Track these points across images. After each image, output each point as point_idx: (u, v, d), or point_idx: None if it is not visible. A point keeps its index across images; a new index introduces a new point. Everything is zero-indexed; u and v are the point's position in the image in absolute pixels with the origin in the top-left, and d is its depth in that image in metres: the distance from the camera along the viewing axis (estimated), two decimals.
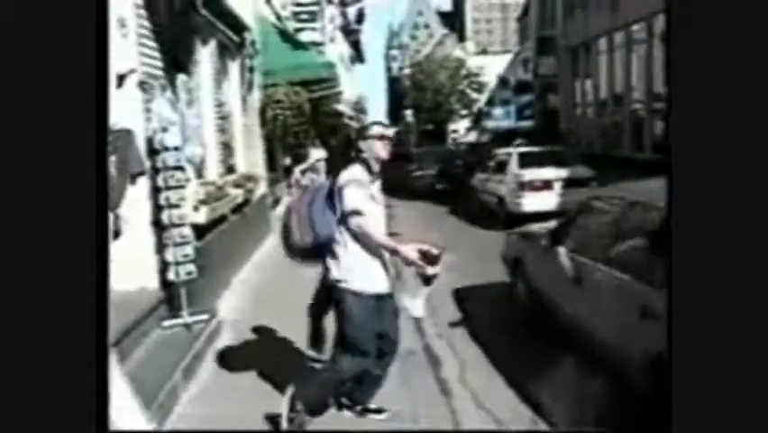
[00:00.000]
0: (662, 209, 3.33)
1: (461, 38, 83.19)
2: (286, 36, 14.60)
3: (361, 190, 3.72)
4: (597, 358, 4.30)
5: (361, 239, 3.73)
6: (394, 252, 3.72)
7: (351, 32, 34.96)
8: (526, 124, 39.57)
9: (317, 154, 18.17)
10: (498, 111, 48.76)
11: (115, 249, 5.57)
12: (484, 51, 71.88)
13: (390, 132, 4.15)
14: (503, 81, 53.48)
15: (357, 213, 3.67)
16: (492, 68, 57.47)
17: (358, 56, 39.43)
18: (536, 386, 4.35)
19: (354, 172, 3.79)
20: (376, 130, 3.94)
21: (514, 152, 13.70)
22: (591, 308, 4.48)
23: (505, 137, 26.84)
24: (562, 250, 4.87)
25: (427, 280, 3.78)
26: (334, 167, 4.18)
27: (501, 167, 13.43)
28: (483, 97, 58.20)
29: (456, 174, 19.23)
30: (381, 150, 3.87)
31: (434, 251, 3.73)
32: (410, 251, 3.66)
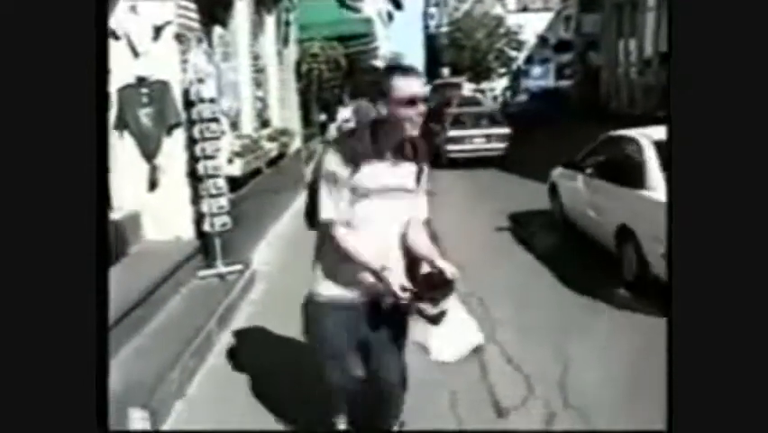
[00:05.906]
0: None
1: None
2: None
3: None
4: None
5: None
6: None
7: None
8: (566, 83, 38.80)
9: (344, 114, 18.07)
10: (536, 70, 47.79)
11: (152, 199, 5.69)
12: (524, 9, 70.02)
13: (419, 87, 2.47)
14: (543, 40, 52.28)
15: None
16: (532, 26, 56.07)
17: (396, 6, 38.80)
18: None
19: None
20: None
21: None
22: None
23: (542, 96, 26.34)
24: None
25: (434, 319, 2.43)
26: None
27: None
28: (522, 56, 56.99)
29: None
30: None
31: (447, 273, 2.39)
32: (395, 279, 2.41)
